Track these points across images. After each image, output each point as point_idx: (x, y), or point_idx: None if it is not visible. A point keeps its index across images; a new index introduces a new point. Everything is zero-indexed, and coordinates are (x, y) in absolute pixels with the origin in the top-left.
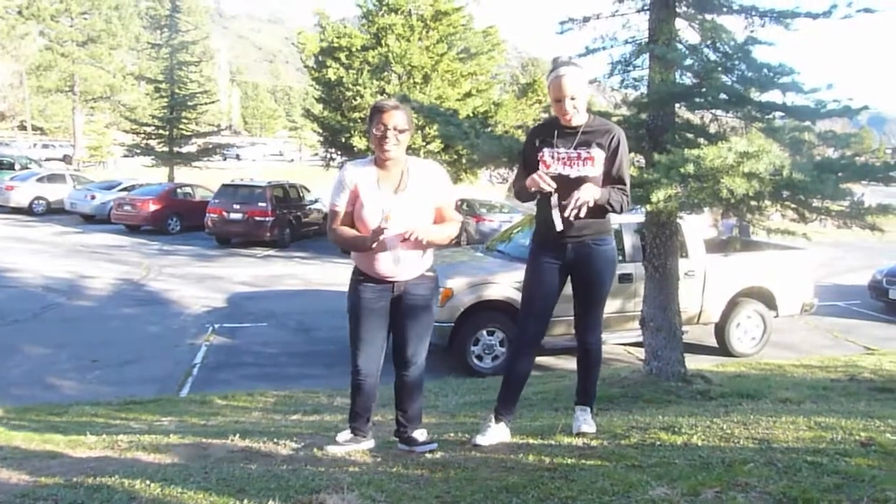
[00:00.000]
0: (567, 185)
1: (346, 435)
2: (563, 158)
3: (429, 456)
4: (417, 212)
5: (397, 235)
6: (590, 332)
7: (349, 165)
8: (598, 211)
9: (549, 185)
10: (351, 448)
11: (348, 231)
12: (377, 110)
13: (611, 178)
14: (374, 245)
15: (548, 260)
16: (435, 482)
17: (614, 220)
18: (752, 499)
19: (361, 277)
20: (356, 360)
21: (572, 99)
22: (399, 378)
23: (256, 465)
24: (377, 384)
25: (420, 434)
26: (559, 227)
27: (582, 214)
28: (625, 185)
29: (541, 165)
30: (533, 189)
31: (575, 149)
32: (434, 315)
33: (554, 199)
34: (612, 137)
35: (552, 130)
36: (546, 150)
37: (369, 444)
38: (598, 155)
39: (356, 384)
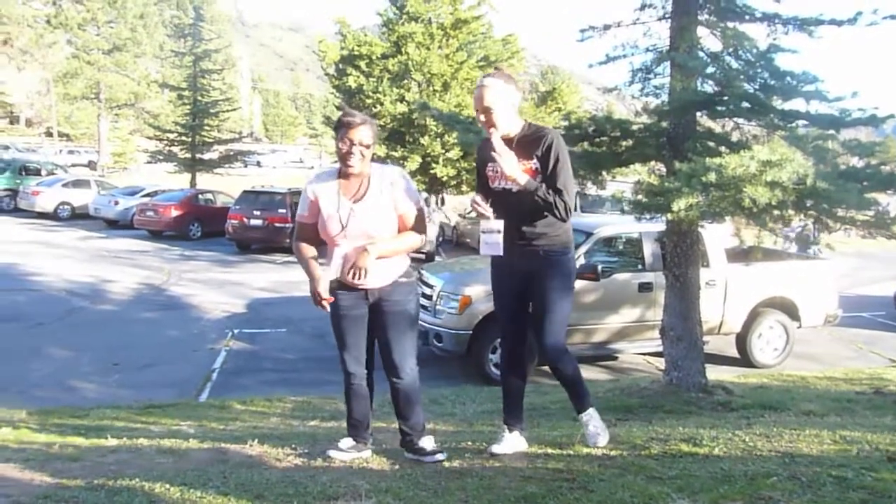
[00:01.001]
0: (509, 200)
1: (348, 442)
2: (503, 173)
3: (446, 464)
4: (377, 219)
5: (346, 260)
6: (545, 350)
7: (313, 178)
8: (536, 213)
9: (486, 212)
10: (353, 455)
11: (308, 255)
12: (345, 125)
13: (547, 180)
14: (317, 297)
15: (503, 268)
16: (452, 490)
17: (635, 227)
18: None
19: (335, 284)
20: (346, 366)
21: (485, 111)
22: (391, 386)
23: (274, 471)
24: (371, 386)
25: (427, 442)
26: (498, 252)
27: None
28: (560, 190)
29: (489, 181)
30: (476, 214)
31: None
32: (416, 319)
33: (492, 224)
34: (543, 143)
35: (492, 145)
36: (490, 166)
37: (368, 452)
38: (535, 166)
39: (349, 388)
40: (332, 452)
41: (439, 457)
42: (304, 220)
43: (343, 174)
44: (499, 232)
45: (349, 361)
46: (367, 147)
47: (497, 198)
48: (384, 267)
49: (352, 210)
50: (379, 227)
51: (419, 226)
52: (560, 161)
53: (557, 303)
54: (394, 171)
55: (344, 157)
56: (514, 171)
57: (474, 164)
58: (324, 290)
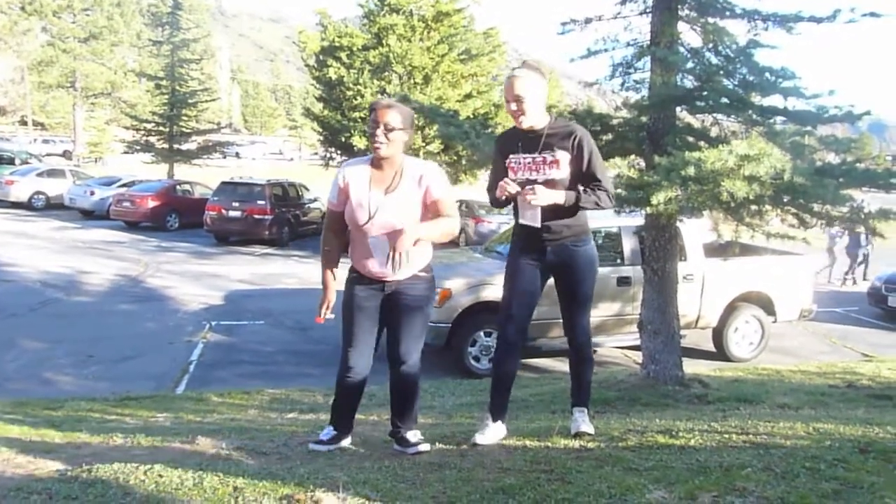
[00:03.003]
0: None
1: (330, 432)
2: (529, 164)
3: (425, 456)
4: (406, 212)
5: (384, 239)
6: (578, 334)
7: (346, 164)
8: (572, 211)
9: (513, 189)
10: (334, 446)
11: (330, 258)
12: (372, 108)
13: (583, 177)
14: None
15: (527, 261)
16: (431, 482)
17: (613, 222)
18: (749, 503)
19: (354, 275)
20: (348, 358)
21: (517, 100)
22: (393, 376)
23: (252, 463)
24: (365, 382)
25: (413, 435)
26: (536, 223)
27: (537, 204)
28: (600, 181)
29: (509, 173)
30: (502, 196)
31: (539, 153)
32: (429, 315)
33: (521, 202)
34: (575, 138)
35: (516, 137)
36: (512, 157)
37: (348, 440)
38: (563, 157)
39: (345, 381)
40: (313, 446)
41: (421, 448)
42: (333, 206)
43: (375, 162)
44: (535, 207)
45: (353, 355)
46: (392, 130)
47: (522, 188)
48: (411, 257)
49: (382, 201)
50: (405, 221)
51: (454, 211)
52: (594, 156)
53: (587, 292)
54: (427, 164)
55: (370, 138)
56: (550, 197)
57: (463, 155)
58: (325, 310)
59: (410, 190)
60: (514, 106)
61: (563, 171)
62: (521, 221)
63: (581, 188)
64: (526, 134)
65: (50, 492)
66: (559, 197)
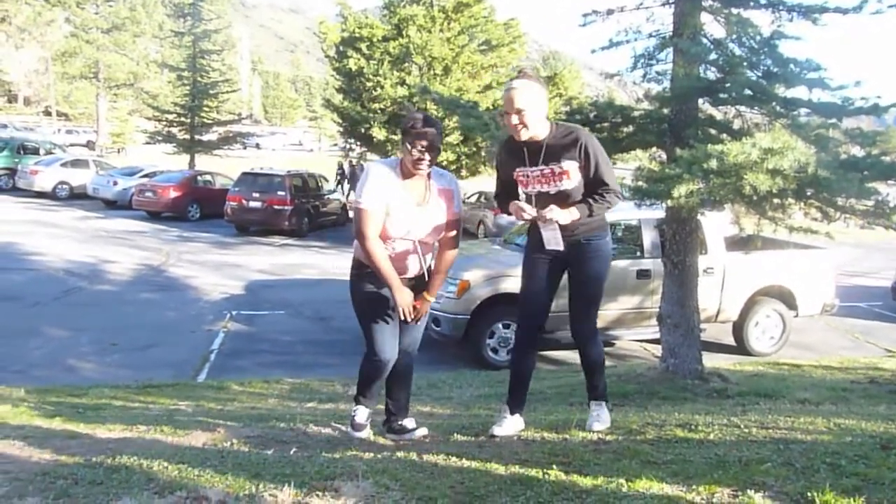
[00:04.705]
0: (549, 202)
1: (363, 413)
2: (538, 177)
3: (443, 446)
4: (437, 223)
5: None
6: (583, 330)
7: (379, 167)
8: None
9: (530, 214)
10: (369, 432)
11: (387, 261)
12: (420, 135)
13: (591, 182)
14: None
15: (542, 257)
16: (449, 472)
17: (634, 214)
18: (768, 498)
19: (368, 271)
20: (380, 348)
21: (518, 113)
22: (398, 364)
23: (272, 451)
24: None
25: (410, 422)
26: (559, 247)
27: (558, 221)
28: (606, 184)
29: (519, 185)
30: (518, 220)
31: (547, 165)
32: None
33: (551, 223)
34: (580, 145)
35: (518, 148)
36: (519, 170)
37: (368, 431)
38: (572, 167)
39: (379, 368)
40: (352, 432)
41: (419, 432)
42: (374, 208)
43: (405, 171)
44: (555, 229)
45: (386, 346)
46: (438, 151)
47: (535, 200)
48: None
49: (416, 215)
50: (438, 231)
51: (458, 235)
52: (600, 159)
53: (595, 287)
54: (451, 178)
55: (416, 163)
56: (567, 217)
57: (483, 147)
58: (409, 303)
59: (440, 202)
60: (514, 119)
61: (573, 181)
62: (547, 247)
63: (591, 200)
64: (528, 145)
65: (75, 477)
66: (575, 214)
